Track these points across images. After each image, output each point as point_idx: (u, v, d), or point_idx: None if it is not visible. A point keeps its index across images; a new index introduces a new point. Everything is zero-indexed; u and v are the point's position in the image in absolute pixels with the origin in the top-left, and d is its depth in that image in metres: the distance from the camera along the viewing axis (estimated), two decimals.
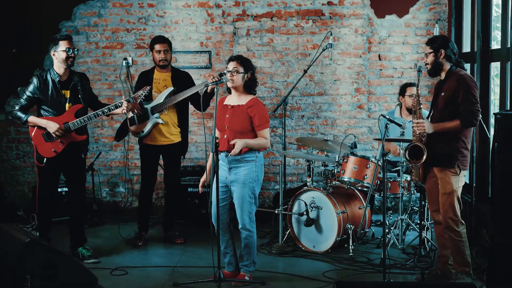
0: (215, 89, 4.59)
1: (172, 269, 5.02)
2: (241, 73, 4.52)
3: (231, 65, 4.53)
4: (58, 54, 5.01)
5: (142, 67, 6.73)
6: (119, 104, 5.12)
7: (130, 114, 5.64)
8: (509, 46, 5.24)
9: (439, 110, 4.46)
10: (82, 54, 6.94)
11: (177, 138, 5.69)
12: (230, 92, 4.67)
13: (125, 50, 6.95)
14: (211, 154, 4.60)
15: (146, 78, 5.71)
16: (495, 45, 5.76)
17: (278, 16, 6.89)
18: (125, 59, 6.88)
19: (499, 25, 5.61)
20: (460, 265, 4.44)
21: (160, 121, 5.57)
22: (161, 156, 5.81)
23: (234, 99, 4.61)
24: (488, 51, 5.68)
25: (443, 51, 4.43)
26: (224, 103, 4.64)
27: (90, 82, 5.37)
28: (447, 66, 4.46)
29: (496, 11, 5.84)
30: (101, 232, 6.20)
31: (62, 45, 5.00)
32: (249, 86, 4.59)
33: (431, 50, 4.46)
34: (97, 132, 7.05)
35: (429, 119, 4.55)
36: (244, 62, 4.55)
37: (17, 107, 5.06)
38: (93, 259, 5.19)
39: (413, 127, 4.47)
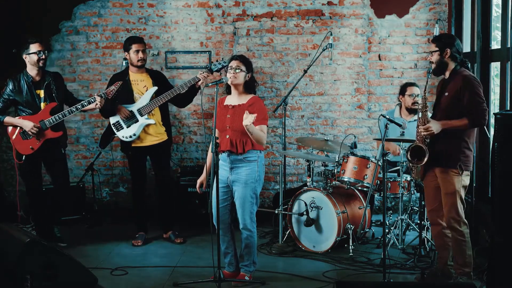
0: (215, 89, 4.59)
1: (172, 269, 5.02)
2: (244, 72, 4.53)
3: (234, 63, 4.54)
4: (30, 57, 5.31)
5: None
6: (92, 100, 5.34)
7: (114, 119, 5.61)
8: (509, 46, 5.24)
9: (442, 110, 4.41)
10: (82, 54, 6.94)
11: (164, 136, 5.72)
12: (229, 93, 4.66)
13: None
14: (209, 154, 4.60)
15: (121, 80, 5.59)
16: (495, 45, 5.76)
17: (278, 16, 6.89)
18: (125, 59, 6.84)
19: (499, 25, 5.61)
20: (460, 265, 4.43)
21: (152, 121, 5.58)
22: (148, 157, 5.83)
23: (235, 99, 4.61)
24: (488, 51, 5.68)
25: (448, 50, 4.37)
26: (224, 104, 4.64)
27: (64, 80, 5.67)
28: (452, 65, 4.41)
29: (496, 11, 5.84)
30: (101, 232, 6.19)
31: (33, 48, 5.31)
32: (249, 86, 4.60)
33: (437, 49, 4.40)
34: (97, 132, 7.05)
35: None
36: (246, 62, 4.58)
37: None
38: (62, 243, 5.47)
39: (419, 131, 4.40)
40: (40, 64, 5.32)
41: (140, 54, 5.60)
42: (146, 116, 5.56)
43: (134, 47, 5.60)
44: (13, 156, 7.02)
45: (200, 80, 5.48)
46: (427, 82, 4.50)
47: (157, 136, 5.66)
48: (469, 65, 4.48)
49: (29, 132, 5.24)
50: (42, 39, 5.66)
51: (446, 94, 4.40)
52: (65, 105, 5.57)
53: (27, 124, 5.24)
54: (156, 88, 5.59)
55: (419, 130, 4.41)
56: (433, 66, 4.46)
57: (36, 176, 5.46)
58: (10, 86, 5.32)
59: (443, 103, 4.42)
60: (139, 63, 5.62)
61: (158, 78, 5.74)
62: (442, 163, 4.41)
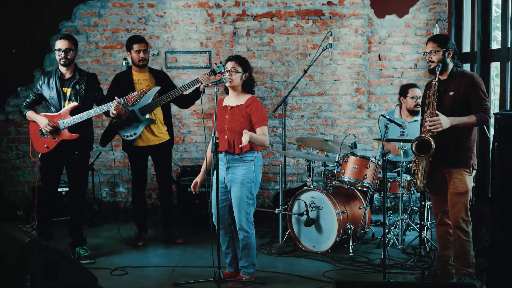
0: (215, 89, 4.58)
1: (172, 269, 5.02)
2: (240, 72, 4.51)
3: (230, 65, 4.52)
4: (55, 54, 5.20)
5: None
6: (112, 104, 5.19)
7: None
8: (509, 46, 5.24)
9: (447, 110, 4.37)
10: (82, 54, 6.94)
11: (166, 136, 5.71)
12: (227, 93, 4.66)
13: (125, 50, 6.92)
14: (208, 154, 4.60)
15: (124, 80, 5.62)
16: (495, 45, 5.76)
17: (278, 16, 6.89)
18: (125, 59, 6.83)
19: (499, 25, 5.61)
20: (463, 265, 4.42)
21: (153, 121, 5.57)
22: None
23: (233, 100, 4.60)
24: (488, 51, 5.68)
25: (451, 51, 4.41)
26: (223, 104, 4.63)
27: (99, 84, 5.41)
28: (451, 66, 4.45)
29: (496, 11, 5.84)
30: (101, 232, 6.19)
31: (56, 45, 5.16)
32: (247, 86, 4.59)
33: (440, 48, 4.40)
34: (97, 132, 7.02)
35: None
36: (242, 62, 4.55)
37: (24, 103, 5.30)
38: (88, 260, 5.20)
39: (426, 125, 4.31)
40: (61, 62, 5.11)
41: (141, 54, 5.58)
42: (147, 116, 5.56)
43: (135, 47, 5.58)
44: (13, 156, 7.09)
45: (202, 83, 5.44)
46: (436, 76, 4.39)
47: (158, 136, 5.66)
48: (462, 66, 4.54)
49: (43, 130, 5.08)
50: (43, 39, 5.59)
51: (451, 93, 4.39)
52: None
53: (43, 121, 5.08)
54: (158, 88, 5.57)
55: (427, 124, 4.30)
56: (432, 65, 4.43)
57: (55, 178, 5.29)
58: (40, 81, 5.18)
59: (447, 103, 4.40)
60: (140, 63, 5.61)
61: (161, 78, 5.72)
62: (454, 163, 4.39)
